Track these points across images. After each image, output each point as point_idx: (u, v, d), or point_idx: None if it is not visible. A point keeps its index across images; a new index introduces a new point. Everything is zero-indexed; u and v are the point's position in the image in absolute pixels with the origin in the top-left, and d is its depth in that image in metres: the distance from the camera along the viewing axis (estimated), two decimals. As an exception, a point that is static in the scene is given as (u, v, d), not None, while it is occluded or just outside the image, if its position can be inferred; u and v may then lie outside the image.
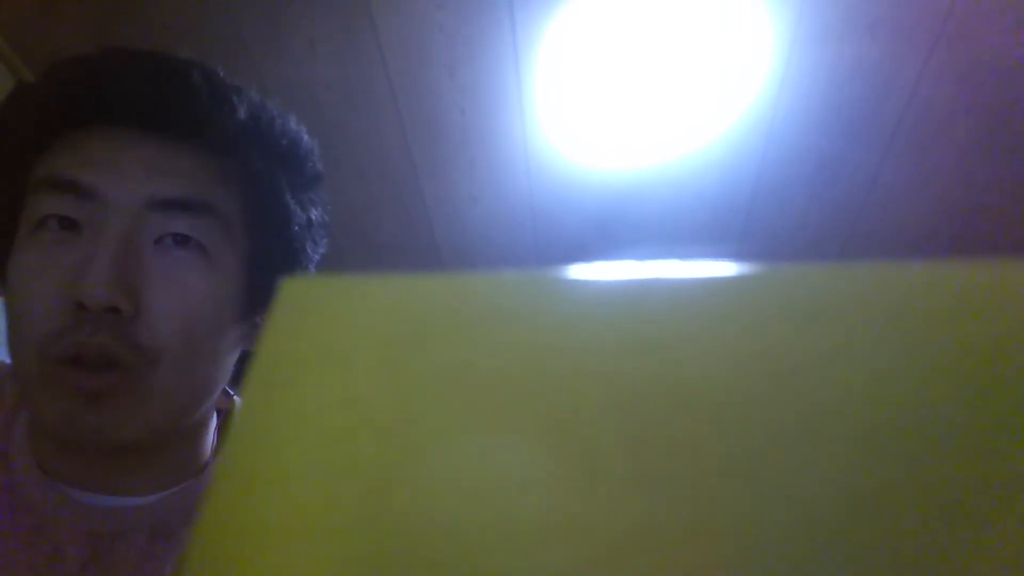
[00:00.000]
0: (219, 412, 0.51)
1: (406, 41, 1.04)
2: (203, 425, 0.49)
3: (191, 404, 0.45)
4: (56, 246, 0.41)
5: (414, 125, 1.17)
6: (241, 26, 1.03)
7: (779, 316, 0.14)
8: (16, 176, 0.44)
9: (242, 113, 0.45)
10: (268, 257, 0.47)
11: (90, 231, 0.41)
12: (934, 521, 0.11)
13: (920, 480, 0.12)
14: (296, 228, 0.49)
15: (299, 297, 0.17)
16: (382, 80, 1.10)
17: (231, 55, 1.05)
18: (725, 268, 0.15)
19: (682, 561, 0.12)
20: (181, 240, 0.42)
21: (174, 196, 0.42)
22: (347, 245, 1.41)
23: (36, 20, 1.02)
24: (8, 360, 0.45)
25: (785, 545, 0.12)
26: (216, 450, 0.51)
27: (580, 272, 0.15)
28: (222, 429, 0.52)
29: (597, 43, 1.04)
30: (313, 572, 0.13)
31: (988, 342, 0.13)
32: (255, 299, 0.47)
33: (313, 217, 0.50)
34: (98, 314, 0.39)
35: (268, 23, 1.02)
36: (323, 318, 0.16)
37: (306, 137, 0.49)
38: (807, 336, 0.14)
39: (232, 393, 0.52)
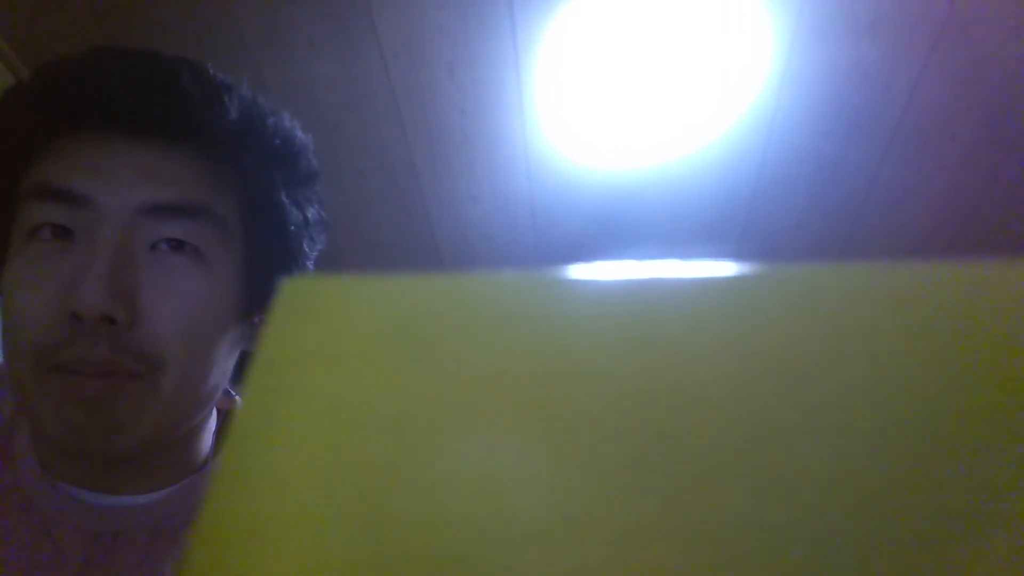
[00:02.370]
0: (220, 412, 0.51)
1: (406, 41, 1.04)
2: (203, 425, 0.49)
3: (194, 407, 0.45)
4: (50, 255, 0.41)
5: (414, 125, 1.17)
6: (241, 26, 1.03)
7: (779, 316, 0.14)
8: (5, 183, 0.44)
9: (233, 113, 0.44)
10: (265, 257, 0.47)
11: (83, 239, 0.41)
12: (934, 520, 0.11)
13: (920, 479, 0.12)
14: (292, 227, 0.48)
15: (299, 297, 0.17)
16: (382, 80, 1.10)
17: (231, 55, 1.05)
18: (725, 268, 0.15)
19: (682, 561, 0.12)
20: (176, 245, 0.42)
21: (167, 201, 0.42)
22: (347, 245, 1.41)
23: (36, 20, 1.02)
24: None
25: (785, 545, 0.12)
26: (216, 449, 0.51)
27: (580, 272, 0.15)
28: (222, 429, 0.52)
29: (597, 43, 1.04)
30: (313, 572, 0.13)
31: (988, 342, 0.13)
32: (253, 299, 0.46)
33: (309, 215, 0.50)
34: (94, 325, 0.39)
35: (268, 23, 1.02)
36: (323, 318, 0.16)
37: (300, 134, 0.49)
38: (807, 336, 0.14)
39: (232, 393, 0.52)
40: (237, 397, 0.52)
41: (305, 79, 1.09)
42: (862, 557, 0.11)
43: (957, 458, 0.12)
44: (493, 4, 0.99)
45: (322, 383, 0.15)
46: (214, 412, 0.51)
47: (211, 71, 0.45)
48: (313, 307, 0.16)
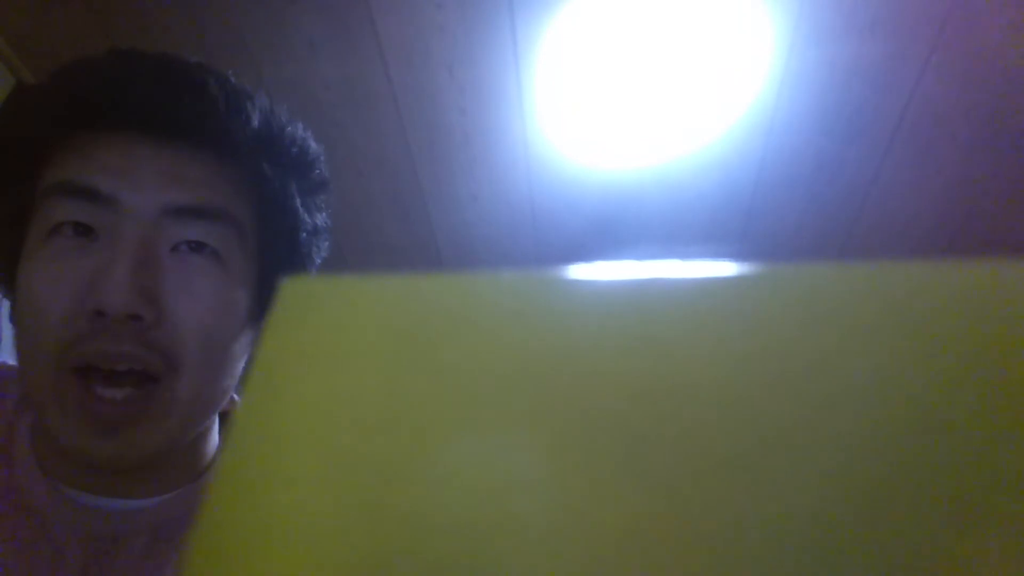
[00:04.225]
0: (221, 415, 0.51)
1: (406, 41, 1.04)
2: (208, 429, 0.49)
3: (207, 410, 0.45)
4: (71, 252, 0.41)
5: (414, 125, 1.17)
6: (241, 26, 1.03)
7: (779, 316, 0.14)
8: (22, 180, 0.44)
9: (256, 121, 0.45)
10: (277, 263, 0.47)
11: (106, 238, 0.41)
12: (934, 521, 0.11)
13: (920, 480, 0.12)
14: (304, 234, 0.49)
15: (299, 297, 0.17)
16: (382, 80, 1.10)
17: (231, 55, 1.05)
18: (725, 268, 0.15)
19: (682, 561, 0.12)
20: (196, 247, 0.42)
21: (190, 204, 0.42)
22: (347, 245, 1.41)
23: (36, 20, 1.02)
24: (11, 362, 0.45)
25: (785, 544, 0.12)
26: (218, 453, 0.51)
27: (580, 272, 0.15)
28: (224, 432, 0.52)
29: (597, 43, 1.04)
30: (313, 572, 0.13)
31: (988, 342, 0.13)
32: (264, 304, 0.47)
33: (319, 222, 0.51)
34: (118, 322, 0.39)
35: (268, 23, 1.02)
36: (323, 318, 0.16)
37: (313, 143, 0.50)
38: (807, 336, 0.14)
39: (234, 396, 0.52)
40: (238, 400, 0.52)
41: (305, 79, 1.09)
42: (862, 557, 0.11)
43: (957, 458, 0.12)
44: (493, 4, 0.99)
45: (322, 383, 0.15)
46: (217, 417, 0.51)
47: (232, 79, 0.46)
48: (313, 307, 0.16)
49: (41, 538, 0.43)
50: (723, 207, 1.32)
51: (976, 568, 0.11)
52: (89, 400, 0.40)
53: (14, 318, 0.43)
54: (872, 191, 1.28)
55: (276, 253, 0.47)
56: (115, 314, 0.39)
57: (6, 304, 0.45)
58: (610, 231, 1.38)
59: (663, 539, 0.12)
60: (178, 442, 0.44)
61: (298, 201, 0.48)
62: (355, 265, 1.46)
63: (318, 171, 0.50)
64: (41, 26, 1.02)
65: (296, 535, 0.13)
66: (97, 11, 1.00)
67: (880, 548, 0.11)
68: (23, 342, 0.42)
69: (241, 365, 0.47)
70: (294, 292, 0.17)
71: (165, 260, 0.41)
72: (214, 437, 0.50)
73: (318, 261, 0.53)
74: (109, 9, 1.00)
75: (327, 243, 0.53)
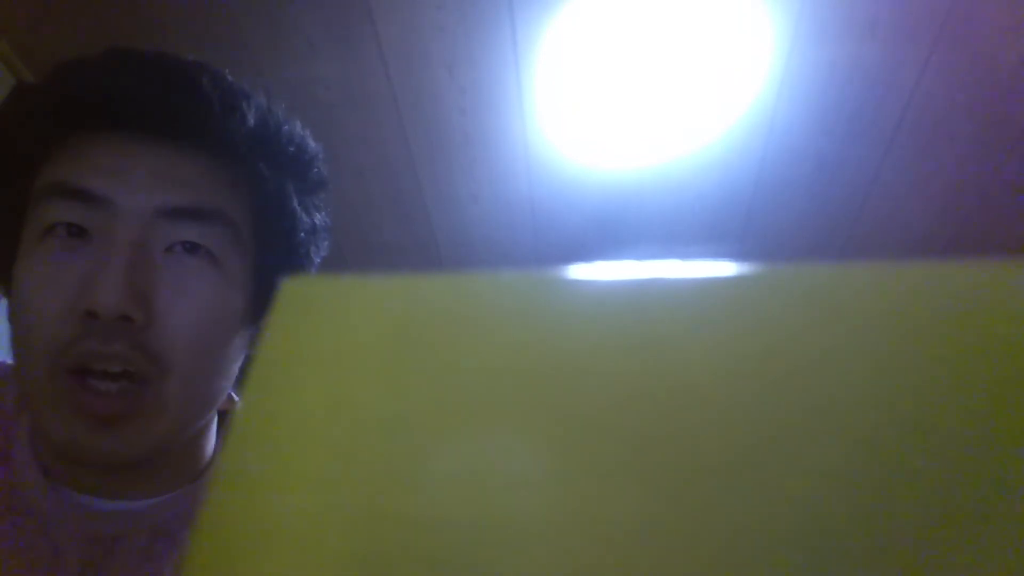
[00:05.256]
0: (220, 414, 0.51)
1: (406, 41, 1.04)
2: (205, 429, 0.49)
3: (200, 411, 0.45)
4: (65, 254, 0.41)
5: (414, 125, 1.17)
6: (241, 26, 1.03)
7: (779, 316, 0.14)
8: (18, 181, 0.44)
9: (251, 120, 0.44)
10: (274, 263, 0.47)
11: (100, 239, 0.41)
12: (934, 521, 0.11)
13: (920, 480, 0.12)
14: (302, 234, 0.49)
15: (299, 297, 0.17)
16: (382, 80, 1.10)
17: (231, 55, 1.05)
18: (725, 268, 0.15)
19: (682, 561, 0.12)
20: (191, 248, 0.42)
21: (184, 205, 0.42)
22: (347, 245, 1.41)
23: (36, 20, 1.02)
24: (9, 360, 0.45)
25: (785, 545, 0.12)
26: (217, 453, 0.51)
27: (580, 272, 0.15)
28: (223, 431, 0.52)
29: (597, 43, 1.04)
30: (313, 572, 0.13)
31: (988, 342, 0.13)
32: (261, 305, 0.47)
33: (317, 222, 0.50)
34: (110, 323, 0.39)
35: (268, 23, 1.02)
36: (323, 318, 0.16)
37: (311, 142, 0.49)
38: (807, 336, 0.14)
39: (233, 395, 0.52)
40: (237, 399, 0.52)
41: (305, 79, 1.09)
42: (862, 557, 0.11)
43: (957, 458, 0.12)
44: (493, 4, 0.99)
45: (322, 383, 0.15)
46: (215, 417, 0.51)
47: (229, 77, 0.45)
48: (313, 307, 0.16)
49: (40, 539, 0.43)
50: (723, 207, 1.32)
51: (976, 568, 0.11)
52: (82, 394, 0.39)
53: (10, 317, 0.43)
54: (872, 191, 1.28)
55: (273, 253, 0.47)
56: (107, 315, 0.39)
57: (5, 303, 0.45)
58: (610, 231, 1.38)
59: (663, 539, 0.12)
60: (172, 442, 0.44)
61: (295, 200, 0.48)
62: (355, 265, 1.46)
63: (316, 170, 0.50)
64: (41, 26, 1.02)
65: (296, 535, 0.13)
66: (97, 11, 1.00)
67: (880, 548, 0.11)
68: (18, 342, 0.42)
69: (237, 365, 0.47)
70: (294, 292, 0.17)
71: (158, 261, 0.41)
72: (212, 437, 0.50)
73: (317, 261, 0.52)
74: (109, 9, 1.00)
75: (326, 243, 0.53)
